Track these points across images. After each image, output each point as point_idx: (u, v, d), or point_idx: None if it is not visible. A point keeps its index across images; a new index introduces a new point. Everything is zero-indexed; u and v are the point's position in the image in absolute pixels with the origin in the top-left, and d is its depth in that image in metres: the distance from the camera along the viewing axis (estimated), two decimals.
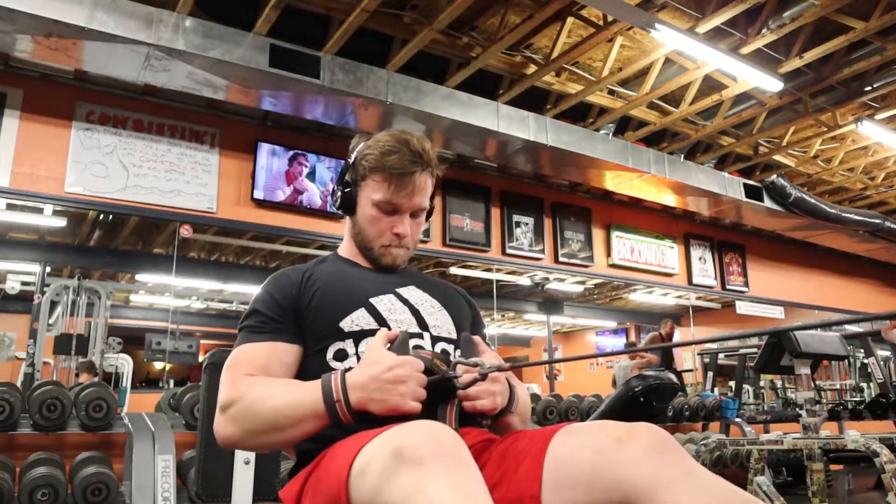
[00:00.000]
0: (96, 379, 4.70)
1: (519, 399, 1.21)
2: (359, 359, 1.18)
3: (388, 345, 1.10)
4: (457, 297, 1.41)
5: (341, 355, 1.20)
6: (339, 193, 1.33)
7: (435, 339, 1.25)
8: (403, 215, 1.29)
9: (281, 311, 1.22)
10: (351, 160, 1.32)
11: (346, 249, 1.38)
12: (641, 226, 7.01)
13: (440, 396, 1.08)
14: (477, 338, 1.26)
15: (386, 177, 1.25)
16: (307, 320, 1.22)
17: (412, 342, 1.18)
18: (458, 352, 1.25)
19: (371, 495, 0.83)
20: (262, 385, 1.12)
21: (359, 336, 1.20)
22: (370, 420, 1.00)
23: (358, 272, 1.32)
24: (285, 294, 1.24)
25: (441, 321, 1.29)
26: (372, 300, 1.24)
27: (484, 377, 1.08)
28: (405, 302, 1.27)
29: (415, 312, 1.26)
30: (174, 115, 4.65)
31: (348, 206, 1.32)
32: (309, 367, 1.21)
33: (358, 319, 1.21)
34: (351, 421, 1.03)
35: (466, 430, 1.11)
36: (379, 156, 1.25)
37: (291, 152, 5.00)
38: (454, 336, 1.28)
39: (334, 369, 1.17)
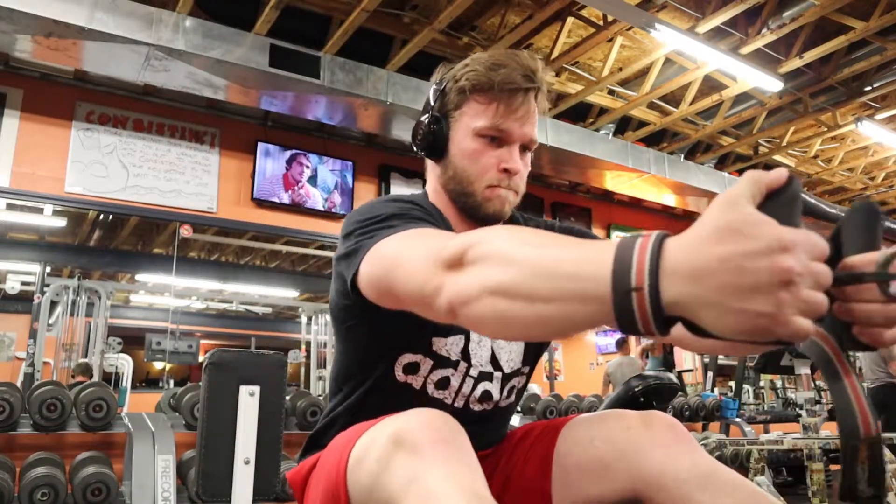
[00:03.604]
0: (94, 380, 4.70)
1: None
2: (426, 392, 1.00)
3: (766, 198, 0.55)
4: None
5: (412, 369, 1.01)
6: (426, 129, 1.05)
7: (506, 379, 1.08)
8: (513, 146, 1.02)
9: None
10: (439, 87, 1.06)
11: (439, 200, 1.08)
12: (641, 226, 7.01)
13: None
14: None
15: (493, 97, 1.00)
16: None
17: (481, 387, 0.99)
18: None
19: (369, 483, 0.82)
20: (508, 230, 0.72)
21: (439, 363, 1.01)
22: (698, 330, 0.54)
23: None
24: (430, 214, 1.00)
25: (514, 352, 1.09)
26: None
27: None
28: None
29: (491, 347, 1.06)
30: (174, 115, 4.65)
31: (437, 145, 1.04)
32: (367, 369, 1.02)
33: (451, 346, 1.01)
34: (654, 332, 0.55)
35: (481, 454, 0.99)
36: (484, 71, 1.00)
37: (291, 152, 5.00)
38: (521, 367, 1.09)
39: (403, 384, 1.00)
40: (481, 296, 0.64)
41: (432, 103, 1.06)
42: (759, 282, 0.50)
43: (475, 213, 1.04)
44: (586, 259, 0.58)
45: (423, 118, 1.06)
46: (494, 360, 1.05)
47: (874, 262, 0.58)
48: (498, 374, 1.05)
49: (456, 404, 1.04)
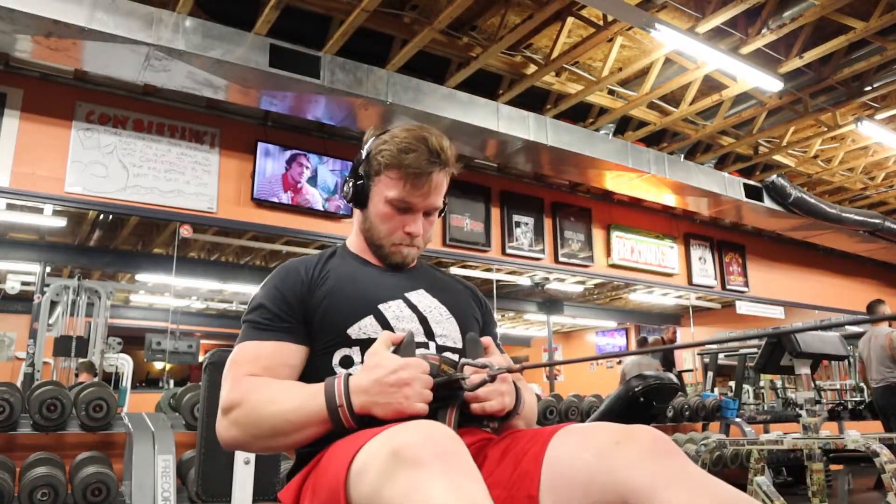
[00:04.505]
0: (96, 379, 4.70)
1: (525, 402, 1.19)
2: None
3: (393, 347, 1.09)
4: (466, 299, 1.38)
5: (347, 362, 1.18)
6: (352, 186, 1.29)
7: (441, 349, 1.21)
8: (417, 214, 1.26)
9: (288, 309, 1.19)
10: (364, 153, 1.28)
11: (355, 243, 1.35)
12: (641, 226, 7.01)
13: (447, 399, 1.07)
14: (486, 338, 1.22)
15: (402, 175, 1.21)
16: (314, 321, 1.20)
17: (418, 352, 1.15)
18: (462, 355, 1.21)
19: (369, 495, 0.83)
20: (264, 388, 1.11)
21: (365, 344, 1.16)
22: (374, 424, 0.98)
23: (367, 273, 1.29)
24: (294, 291, 1.21)
25: (448, 330, 1.25)
26: (381, 307, 1.21)
27: (493, 379, 1.07)
28: (413, 308, 1.25)
29: (422, 321, 1.23)
30: (174, 115, 4.65)
31: (360, 199, 1.28)
32: (313, 369, 1.18)
33: (366, 327, 1.19)
34: (354, 426, 1.02)
35: (464, 430, 1.10)
36: (396, 152, 1.21)
37: (291, 152, 5.00)
38: (460, 346, 1.25)
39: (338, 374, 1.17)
40: (251, 441, 1.11)
41: (361, 161, 1.28)
42: (391, 388, 1.01)
43: (384, 260, 1.31)
44: (310, 400, 1.05)
45: (350, 176, 1.30)
46: (429, 332, 1.23)
47: (463, 367, 1.09)
48: (433, 344, 1.21)
49: None
